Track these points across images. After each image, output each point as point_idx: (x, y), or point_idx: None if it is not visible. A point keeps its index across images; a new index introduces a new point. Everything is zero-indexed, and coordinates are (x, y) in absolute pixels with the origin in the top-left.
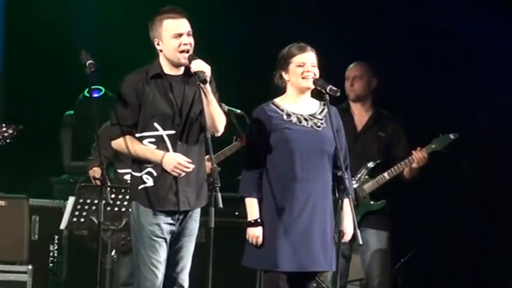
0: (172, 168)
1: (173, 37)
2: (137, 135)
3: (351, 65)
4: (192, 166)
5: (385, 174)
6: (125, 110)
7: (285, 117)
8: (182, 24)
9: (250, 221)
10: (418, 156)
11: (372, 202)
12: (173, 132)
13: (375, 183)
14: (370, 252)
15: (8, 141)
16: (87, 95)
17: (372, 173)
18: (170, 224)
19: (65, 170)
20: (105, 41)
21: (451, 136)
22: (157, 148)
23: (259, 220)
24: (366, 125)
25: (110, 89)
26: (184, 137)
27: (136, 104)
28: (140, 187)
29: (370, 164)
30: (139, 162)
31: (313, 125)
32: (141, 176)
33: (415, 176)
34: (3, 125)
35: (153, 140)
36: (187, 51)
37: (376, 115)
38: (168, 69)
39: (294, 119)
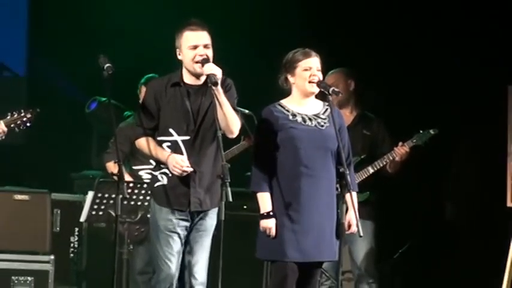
0: (172, 168)
1: (190, 48)
2: (158, 138)
3: (327, 75)
4: (189, 169)
5: (369, 167)
6: (145, 113)
7: (290, 117)
8: (200, 37)
9: (263, 214)
10: (400, 151)
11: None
12: (187, 138)
13: (358, 176)
14: (356, 240)
15: (27, 125)
16: (102, 99)
17: (356, 167)
18: (183, 219)
19: (92, 165)
20: (133, 45)
21: (431, 131)
22: (173, 152)
23: (271, 213)
24: (350, 124)
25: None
26: (199, 143)
27: (155, 109)
28: (156, 185)
29: (354, 159)
30: (157, 162)
31: (317, 124)
32: (157, 175)
33: (398, 169)
34: (22, 110)
35: (169, 144)
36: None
37: (361, 115)
38: (188, 79)
39: (299, 118)
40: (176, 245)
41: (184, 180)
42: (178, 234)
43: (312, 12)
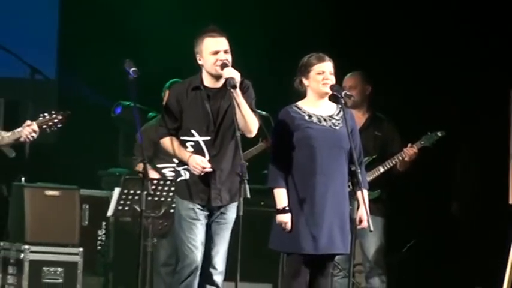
0: (192, 168)
1: (211, 54)
2: (181, 137)
3: (347, 76)
4: (209, 169)
5: (380, 167)
6: (168, 115)
7: (306, 117)
8: (220, 43)
9: (279, 209)
10: (409, 151)
11: (368, 192)
12: (208, 138)
13: (370, 175)
14: (367, 235)
15: (58, 126)
16: (126, 103)
17: (368, 167)
18: (204, 211)
19: (118, 163)
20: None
21: (438, 133)
22: (195, 151)
23: (287, 208)
24: (363, 126)
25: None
26: (219, 143)
27: (177, 111)
28: (179, 179)
29: (366, 159)
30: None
31: (331, 124)
32: (180, 170)
33: (407, 168)
34: (53, 112)
35: (192, 143)
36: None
37: (372, 117)
38: (207, 82)
39: (314, 119)
40: (199, 232)
41: (205, 176)
42: (201, 222)
43: (328, 18)
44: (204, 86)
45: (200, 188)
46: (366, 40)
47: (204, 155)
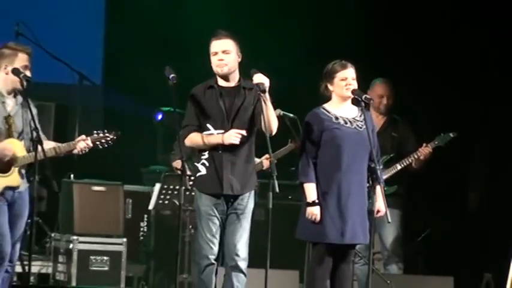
0: (233, 139)
1: (212, 55)
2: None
3: (379, 82)
4: (239, 136)
5: (397, 165)
6: (189, 114)
7: (334, 119)
8: (219, 44)
9: (309, 202)
10: (424, 151)
11: (386, 187)
12: (222, 131)
13: (388, 172)
14: (385, 226)
15: (109, 144)
16: (165, 109)
17: (386, 165)
18: (220, 204)
19: (158, 161)
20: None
21: (451, 134)
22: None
23: (316, 201)
24: (381, 128)
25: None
26: None
27: (197, 109)
28: (197, 175)
29: (384, 157)
30: (198, 155)
31: (356, 126)
32: (198, 166)
33: (422, 166)
34: (105, 131)
35: None
36: (221, 66)
37: (390, 119)
38: (221, 82)
39: (341, 121)
40: (215, 226)
41: (219, 168)
42: (217, 217)
43: (354, 29)
44: (218, 85)
45: (215, 180)
46: (388, 48)
47: (217, 147)
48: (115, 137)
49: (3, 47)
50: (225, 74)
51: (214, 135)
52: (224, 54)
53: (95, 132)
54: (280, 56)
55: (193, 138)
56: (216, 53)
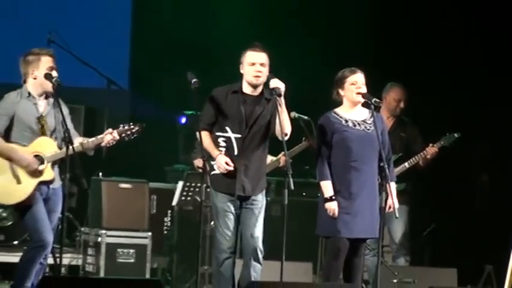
0: (217, 166)
1: (249, 64)
2: (216, 133)
3: (399, 87)
4: (231, 167)
5: (406, 164)
6: (206, 112)
7: (343, 122)
8: (258, 56)
9: (327, 198)
10: (431, 150)
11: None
12: (239, 136)
13: (397, 170)
14: (394, 221)
15: (134, 136)
16: (188, 112)
17: (395, 163)
18: (235, 201)
19: (180, 160)
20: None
21: (455, 135)
22: (227, 146)
23: (333, 197)
24: (391, 128)
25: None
26: (248, 141)
27: (216, 109)
28: (212, 173)
29: (393, 156)
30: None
31: (364, 128)
32: (213, 165)
33: (428, 165)
34: (131, 123)
35: (224, 139)
36: (258, 77)
37: (399, 121)
38: (246, 89)
39: (350, 123)
40: (231, 222)
41: (234, 170)
42: (233, 213)
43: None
44: (242, 92)
45: (228, 180)
46: (398, 50)
47: (233, 150)
48: (140, 129)
49: (27, 55)
50: (258, 84)
51: (213, 150)
52: (262, 67)
53: (121, 125)
54: (300, 58)
55: (202, 138)
56: (253, 64)
